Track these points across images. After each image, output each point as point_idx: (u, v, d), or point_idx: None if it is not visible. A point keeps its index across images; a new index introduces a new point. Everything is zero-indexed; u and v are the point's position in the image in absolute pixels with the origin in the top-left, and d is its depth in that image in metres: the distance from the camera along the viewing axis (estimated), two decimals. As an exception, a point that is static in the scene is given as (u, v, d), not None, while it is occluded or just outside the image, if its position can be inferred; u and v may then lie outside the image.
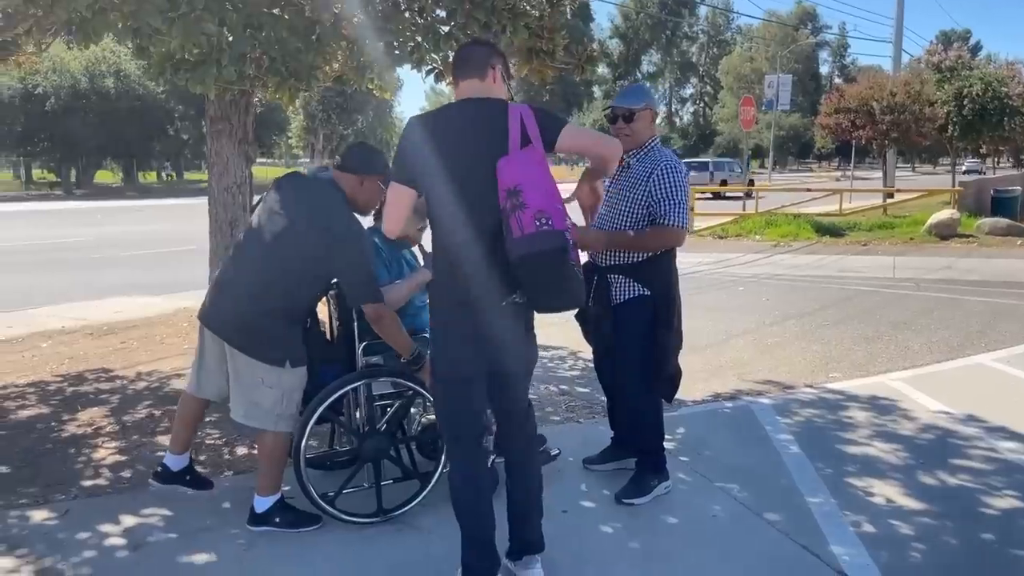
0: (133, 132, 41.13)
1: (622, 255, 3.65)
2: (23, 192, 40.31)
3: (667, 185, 3.53)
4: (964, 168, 50.47)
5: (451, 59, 3.00)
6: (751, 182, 30.19)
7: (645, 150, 3.65)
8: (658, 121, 3.97)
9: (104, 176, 50.79)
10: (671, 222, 3.54)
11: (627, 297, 3.65)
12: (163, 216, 23.90)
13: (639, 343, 3.64)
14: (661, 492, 3.79)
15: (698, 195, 22.41)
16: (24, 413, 5.19)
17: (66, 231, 19.04)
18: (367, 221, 3.62)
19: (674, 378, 3.84)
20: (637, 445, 3.88)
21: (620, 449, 4.07)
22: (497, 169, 2.60)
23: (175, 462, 3.67)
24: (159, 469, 3.69)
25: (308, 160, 57.51)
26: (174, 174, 56.02)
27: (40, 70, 36.59)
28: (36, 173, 48.16)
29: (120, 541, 3.38)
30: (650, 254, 3.62)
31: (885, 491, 3.87)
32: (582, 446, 4.29)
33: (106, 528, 3.49)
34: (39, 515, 3.63)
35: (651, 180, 3.54)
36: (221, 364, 3.45)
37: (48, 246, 15.90)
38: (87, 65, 39.33)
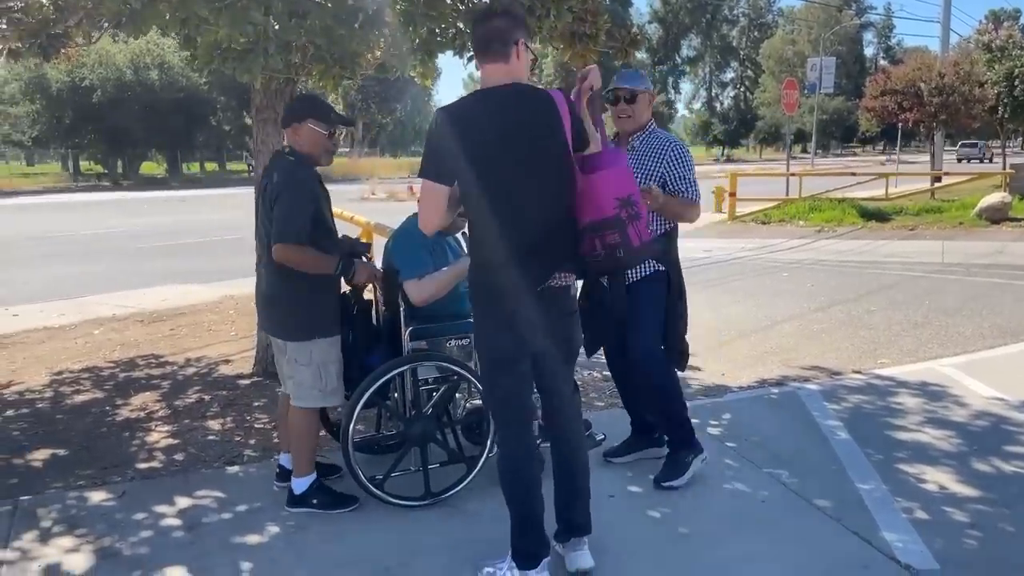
0: (177, 124, 41.77)
1: None
2: (72, 184, 41.17)
3: (681, 163, 3.67)
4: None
5: (472, 34, 2.90)
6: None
7: (647, 132, 3.77)
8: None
9: (149, 167, 51.65)
10: (692, 197, 3.64)
11: (644, 274, 3.67)
12: (206, 206, 24.28)
13: (655, 317, 3.68)
14: (699, 466, 3.77)
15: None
16: (79, 398, 5.32)
17: (114, 221, 19.45)
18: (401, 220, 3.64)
19: (685, 348, 3.85)
20: (664, 427, 3.88)
21: (641, 438, 4.07)
22: (604, 176, 2.74)
23: (288, 459, 3.75)
24: (278, 470, 3.80)
25: (348, 149, 57.92)
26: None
27: (87, 63, 37.32)
28: (83, 165, 49.12)
29: (175, 522, 3.46)
30: (662, 231, 3.67)
31: (937, 477, 3.80)
32: (627, 431, 4.27)
33: (162, 509, 3.57)
34: (97, 496, 3.74)
35: (664, 161, 3.66)
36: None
37: (97, 236, 16.25)
38: (132, 58, 39.99)
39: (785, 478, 3.81)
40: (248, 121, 48.43)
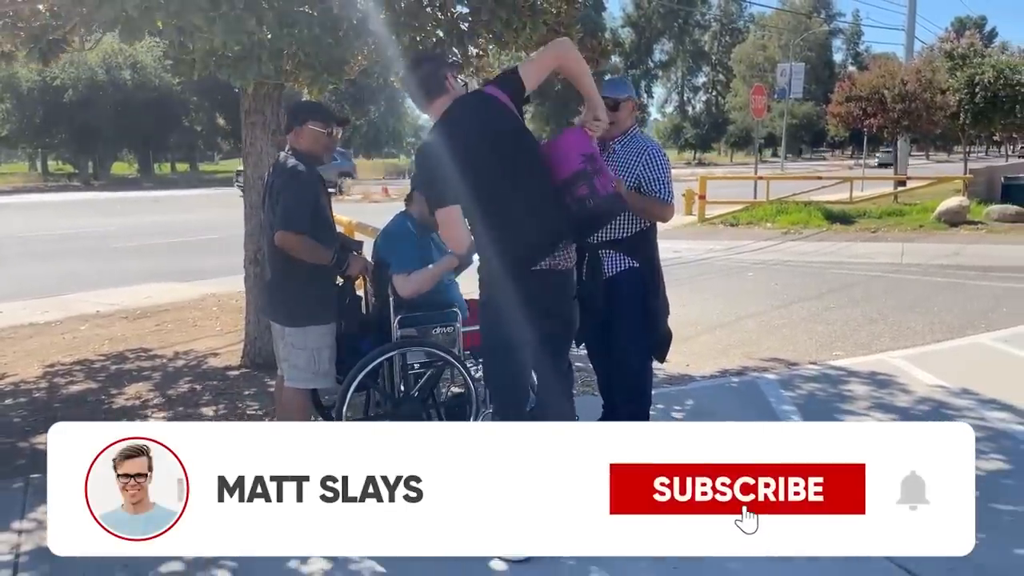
0: (149, 124, 41.64)
1: (614, 231, 3.92)
2: (42, 184, 40.86)
3: (656, 167, 3.91)
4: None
5: (409, 87, 3.32)
6: None
7: (629, 136, 3.99)
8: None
9: (120, 168, 51.31)
10: (664, 197, 3.87)
11: (619, 270, 3.94)
12: (180, 207, 24.32)
13: (632, 311, 3.94)
14: None
15: None
16: (74, 388, 5.55)
17: (88, 221, 19.46)
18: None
19: (665, 340, 4.13)
20: (626, 414, 4.15)
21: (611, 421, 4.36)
22: (568, 138, 3.15)
23: None
24: None
25: (322, 150, 57.73)
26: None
27: (57, 62, 37.05)
28: (52, 165, 48.72)
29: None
30: (637, 230, 3.91)
31: (880, 455, 4.16)
32: (597, 414, 4.58)
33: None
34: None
35: (640, 164, 3.89)
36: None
37: (72, 235, 16.31)
38: (104, 57, 39.77)
39: (742, 456, 4.14)
40: (221, 122, 48.44)
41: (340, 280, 3.86)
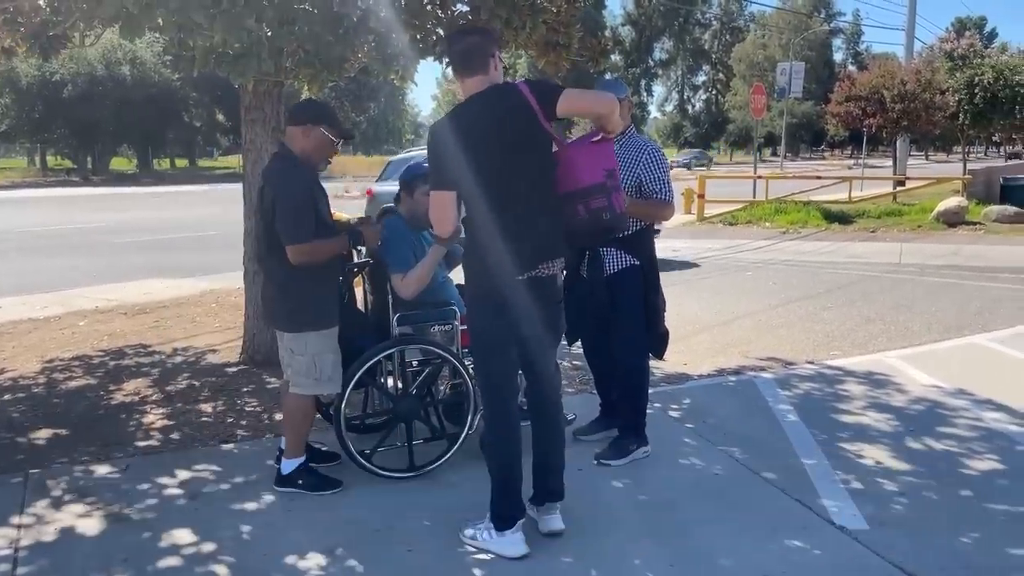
0: (148, 119, 41.66)
1: None
2: (41, 179, 40.86)
3: (656, 167, 3.99)
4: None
5: (450, 50, 3.18)
6: None
7: (627, 136, 4.04)
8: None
9: (119, 163, 51.24)
10: (665, 197, 3.94)
11: (620, 268, 3.98)
12: (179, 202, 24.32)
13: (634, 308, 3.99)
14: (640, 456, 4.09)
15: None
16: (73, 383, 5.56)
17: (87, 216, 19.47)
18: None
19: (664, 336, 4.18)
20: (624, 411, 4.18)
21: (608, 419, 4.39)
22: (592, 148, 3.14)
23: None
24: (278, 452, 3.87)
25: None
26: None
27: (57, 58, 36.97)
28: (51, 160, 48.66)
29: (178, 491, 3.75)
30: (637, 228, 3.95)
31: (875, 454, 4.18)
32: (595, 413, 4.60)
33: (164, 480, 3.86)
34: (102, 469, 4.01)
35: (640, 164, 3.95)
36: None
37: (70, 231, 16.32)
38: (104, 53, 39.77)
39: (737, 454, 4.17)
40: (220, 117, 48.44)
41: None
